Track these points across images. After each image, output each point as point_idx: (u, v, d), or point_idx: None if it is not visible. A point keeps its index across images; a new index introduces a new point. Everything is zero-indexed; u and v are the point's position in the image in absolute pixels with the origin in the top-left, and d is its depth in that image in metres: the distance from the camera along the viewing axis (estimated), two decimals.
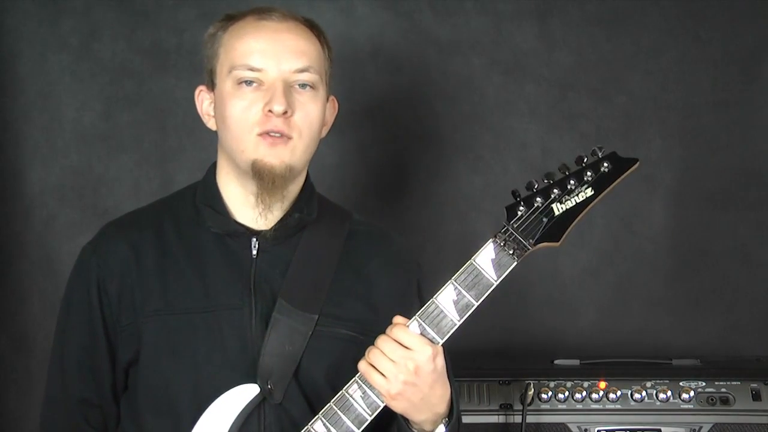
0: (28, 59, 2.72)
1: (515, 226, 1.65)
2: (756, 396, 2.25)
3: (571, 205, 1.66)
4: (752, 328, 2.78)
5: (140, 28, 2.74)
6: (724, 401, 2.24)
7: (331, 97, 1.86)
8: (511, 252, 1.64)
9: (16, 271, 2.72)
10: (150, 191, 2.71)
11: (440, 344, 1.65)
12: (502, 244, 1.65)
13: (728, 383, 2.26)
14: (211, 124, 1.83)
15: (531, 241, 1.65)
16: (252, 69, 1.72)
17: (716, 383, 2.26)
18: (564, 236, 1.67)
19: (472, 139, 2.80)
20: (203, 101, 1.84)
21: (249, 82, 1.72)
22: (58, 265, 2.70)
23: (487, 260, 1.65)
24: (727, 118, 2.80)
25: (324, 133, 1.84)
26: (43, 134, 2.73)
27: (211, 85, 1.80)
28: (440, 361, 1.65)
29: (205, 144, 2.64)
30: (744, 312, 2.80)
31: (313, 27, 1.81)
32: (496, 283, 1.65)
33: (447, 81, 2.80)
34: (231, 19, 1.80)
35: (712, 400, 2.25)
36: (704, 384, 2.26)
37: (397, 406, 1.65)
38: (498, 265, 1.64)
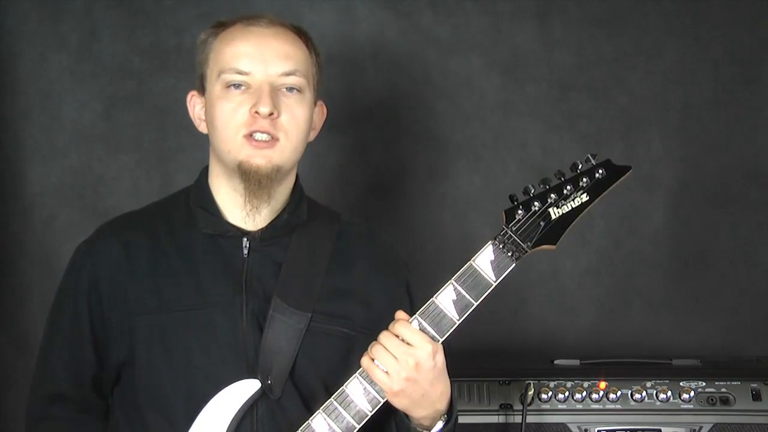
0: (28, 59, 2.72)
1: (513, 229, 1.71)
2: (756, 396, 2.25)
3: (567, 209, 1.72)
4: (752, 328, 2.78)
5: (140, 28, 2.74)
6: (724, 401, 2.24)
7: (320, 102, 1.90)
8: (509, 254, 1.70)
9: (16, 271, 2.73)
10: (150, 191, 2.71)
11: (440, 342, 1.69)
12: (501, 246, 1.70)
13: (728, 383, 2.26)
14: (202, 127, 1.88)
15: (529, 243, 1.71)
16: (240, 72, 1.76)
17: (716, 383, 2.26)
18: (560, 239, 1.72)
19: (472, 139, 2.80)
20: (195, 106, 1.88)
21: (237, 86, 1.77)
22: (58, 265, 2.68)
23: (486, 262, 1.70)
24: (727, 118, 2.80)
25: (312, 137, 1.88)
26: (43, 134, 2.73)
27: (202, 90, 1.85)
28: (440, 358, 1.69)
29: (205, 144, 2.61)
30: (744, 312, 2.80)
31: (300, 33, 1.85)
32: (495, 284, 1.70)
33: (447, 81, 2.80)
34: (221, 25, 1.84)
35: (712, 400, 2.25)
36: (704, 384, 2.26)
37: (399, 403, 1.69)
38: (497, 266, 1.70)
